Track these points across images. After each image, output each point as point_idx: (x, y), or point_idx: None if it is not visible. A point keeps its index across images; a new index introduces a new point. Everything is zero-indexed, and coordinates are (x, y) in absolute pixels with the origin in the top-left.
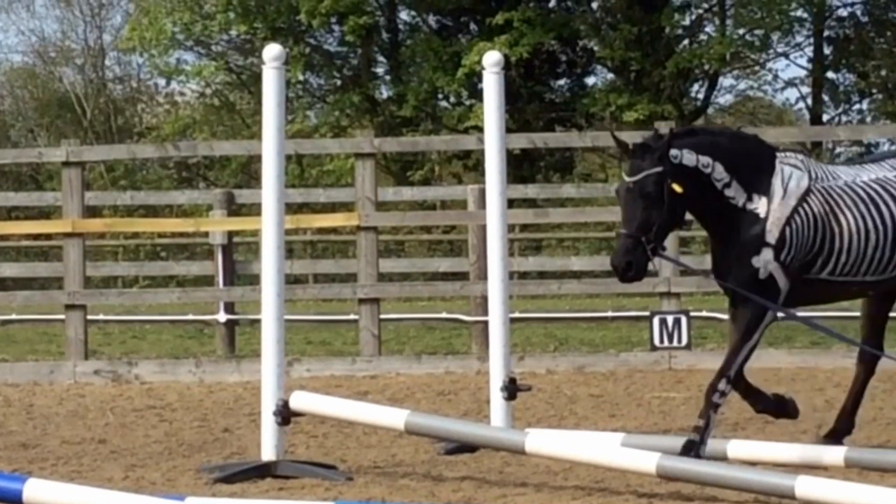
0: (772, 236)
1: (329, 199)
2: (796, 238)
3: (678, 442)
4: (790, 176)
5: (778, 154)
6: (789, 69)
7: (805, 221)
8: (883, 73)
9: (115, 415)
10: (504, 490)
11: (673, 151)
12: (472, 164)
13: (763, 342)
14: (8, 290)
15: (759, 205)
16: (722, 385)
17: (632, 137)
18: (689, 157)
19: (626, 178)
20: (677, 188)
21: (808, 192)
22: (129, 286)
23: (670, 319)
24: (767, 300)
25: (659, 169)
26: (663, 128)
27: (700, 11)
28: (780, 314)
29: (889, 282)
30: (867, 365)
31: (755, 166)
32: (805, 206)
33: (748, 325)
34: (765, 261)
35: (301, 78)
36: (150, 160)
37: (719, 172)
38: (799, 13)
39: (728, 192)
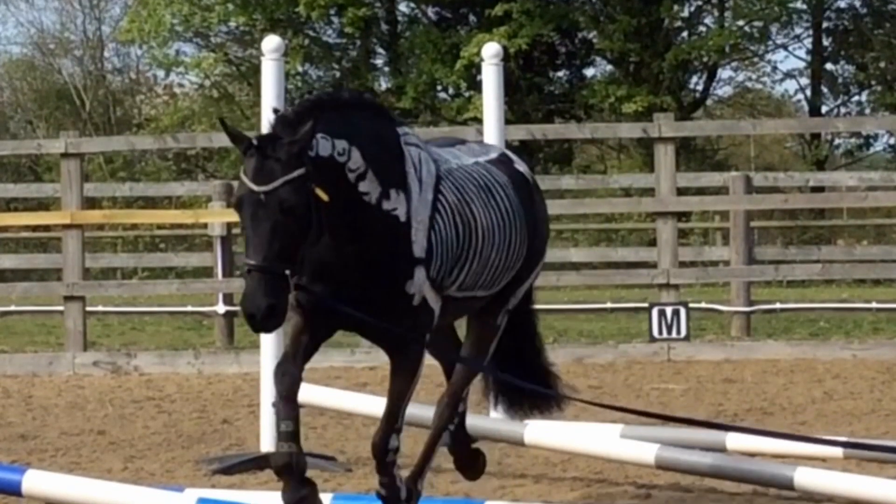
0: (420, 247)
1: None
2: (442, 244)
3: (677, 433)
4: (419, 160)
5: (399, 131)
6: (788, 60)
7: (446, 220)
8: (882, 64)
9: (114, 406)
10: (503, 481)
11: None
12: None
13: (762, 333)
14: (7, 282)
15: (398, 203)
16: (393, 442)
17: (631, 130)
18: (324, 145)
19: (253, 187)
20: (323, 195)
21: (439, 179)
22: (128, 277)
23: (669, 311)
24: (419, 330)
25: (301, 171)
26: (291, 107)
27: (699, 3)
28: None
29: (485, 300)
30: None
31: (388, 149)
32: (442, 199)
33: (413, 364)
34: (419, 283)
35: (300, 69)
36: (148, 152)
37: (355, 161)
38: (798, 4)
39: (362, 187)
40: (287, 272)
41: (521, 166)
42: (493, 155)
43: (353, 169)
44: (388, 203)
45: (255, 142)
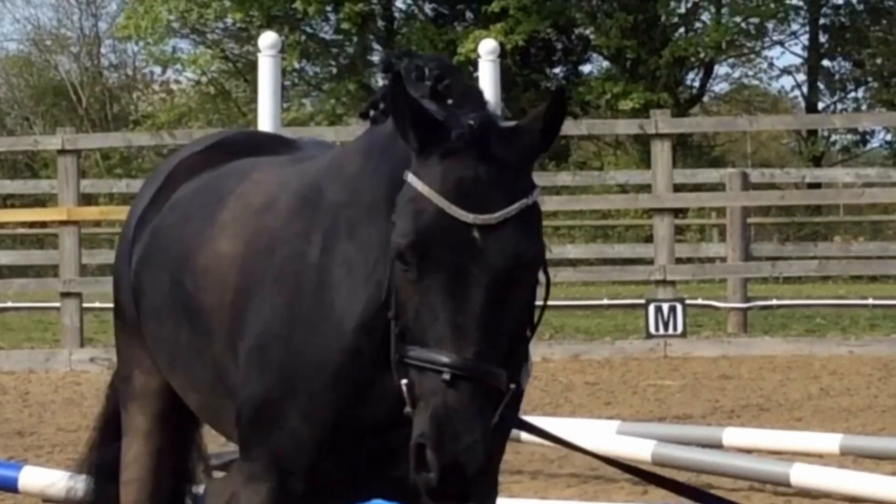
0: None
1: None
2: None
3: (674, 430)
4: None
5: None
6: (784, 57)
7: None
8: (878, 60)
9: None
10: (500, 478)
11: None
12: None
13: (758, 330)
14: (3, 278)
15: None
16: None
17: (627, 126)
18: None
19: (465, 216)
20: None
21: None
22: None
23: (666, 307)
24: None
25: (538, 189)
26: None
27: None
28: None
29: None
30: None
31: None
32: None
33: None
34: None
35: (297, 66)
36: (145, 148)
37: None
38: (794, 1)
39: None
40: (512, 385)
41: None
42: None
43: None
44: None
45: (473, 124)
